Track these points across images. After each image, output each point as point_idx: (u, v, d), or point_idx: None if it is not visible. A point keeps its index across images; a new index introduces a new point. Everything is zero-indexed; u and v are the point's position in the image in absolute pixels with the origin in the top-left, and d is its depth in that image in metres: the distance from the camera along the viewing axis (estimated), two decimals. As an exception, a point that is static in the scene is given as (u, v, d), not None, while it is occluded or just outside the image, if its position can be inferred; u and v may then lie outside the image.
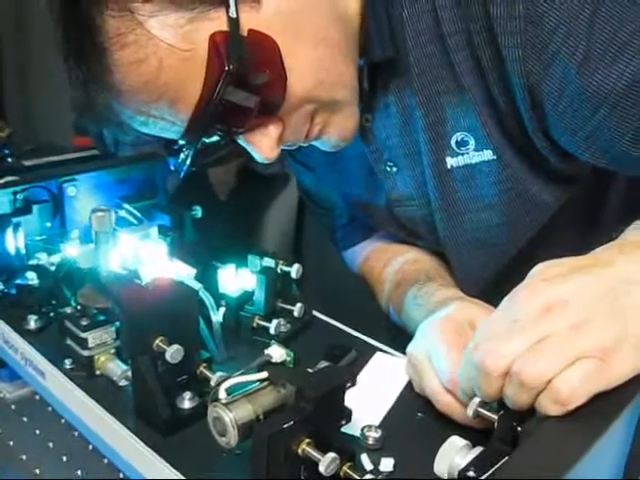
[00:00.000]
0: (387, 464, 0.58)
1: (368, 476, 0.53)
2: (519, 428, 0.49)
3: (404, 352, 0.75)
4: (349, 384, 0.56)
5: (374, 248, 0.93)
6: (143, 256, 0.78)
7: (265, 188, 1.40)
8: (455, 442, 0.50)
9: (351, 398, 0.63)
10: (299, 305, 0.77)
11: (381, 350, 0.76)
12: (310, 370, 0.57)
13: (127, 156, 0.93)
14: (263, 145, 0.67)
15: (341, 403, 0.55)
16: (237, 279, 0.77)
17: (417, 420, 0.66)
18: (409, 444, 0.62)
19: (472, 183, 0.75)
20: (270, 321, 0.75)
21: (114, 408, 0.65)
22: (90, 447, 0.73)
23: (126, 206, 0.87)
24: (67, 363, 0.70)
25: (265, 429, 0.51)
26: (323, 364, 0.57)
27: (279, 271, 0.77)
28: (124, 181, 0.92)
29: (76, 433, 0.75)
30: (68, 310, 0.70)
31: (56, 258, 0.77)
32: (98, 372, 0.70)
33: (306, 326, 0.79)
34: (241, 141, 0.68)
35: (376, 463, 0.59)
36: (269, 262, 0.77)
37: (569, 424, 0.46)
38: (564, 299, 0.47)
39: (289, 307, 0.77)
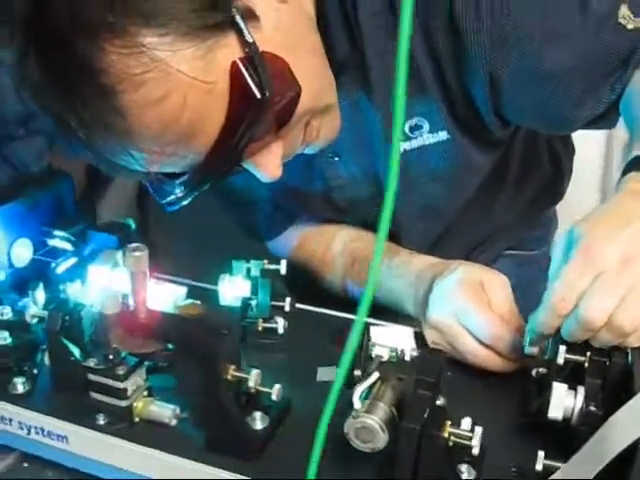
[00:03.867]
0: (467, 423, 0.65)
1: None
2: (607, 363, 0.59)
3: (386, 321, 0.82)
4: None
5: (307, 233, 0.96)
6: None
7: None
8: (561, 388, 0.59)
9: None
10: (288, 300, 0.78)
11: (371, 324, 0.81)
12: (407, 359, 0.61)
13: (34, 178, 0.83)
14: (271, 166, 0.67)
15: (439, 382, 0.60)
16: (233, 288, 0.76)
17: (450, 378, 0.73)
18: (461, 400, 0.69)
19: (424, 161, 0.82)
20: (274, 322, 0.76)
21: (181, 450, 0.63)
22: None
23: (60, 233, 0.79)
24: (100, 419, 0.64)
25: (412, 423, 0.54)
26: (414, 352, 0.61)
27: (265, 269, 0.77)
28: (35, 207, 0.82)
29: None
30: (91, 363, 0.64)
31: (34, 310, 0.69)
32: (137, 420, 0.65)
33: (294, 319, 0.81)
34: (245, 163, 0.67)
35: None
36: (258, 264, 0.77)
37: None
38: (634, 251, 0.57)
39: (280, 304, 0.78)
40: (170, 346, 0.62)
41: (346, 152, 0.82)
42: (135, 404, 0.65)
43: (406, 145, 0.80)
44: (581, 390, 0.59)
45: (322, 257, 0.93)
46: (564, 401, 0.58)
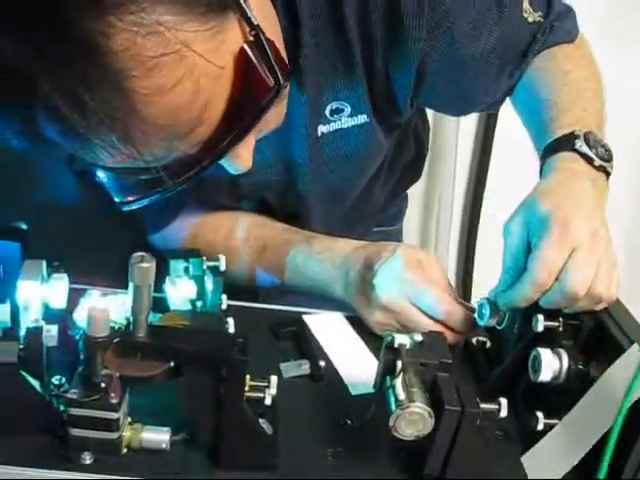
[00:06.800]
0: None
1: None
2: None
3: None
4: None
5: (200, 222, 0.89)
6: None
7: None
8: (547, 352, 0.64)
9: (341, 366, 0.72)
10: (224, 296, 0.74)
11: (303, 313, 0.80)
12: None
13: None
14: (247, 157, 0.62)
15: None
16: (180, 290, 0.69)
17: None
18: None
19: (339, 145, 0.81)
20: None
21: (191, 473, 0.57)
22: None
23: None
24: (86, 458, 0.55)
25: (453, 404, 0.56)
26: (419, 337, 0.61)
27: (205, 267, 0.72)
28: None
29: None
30: (71, 394, 0.54)
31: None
32: (124, 451, 0.57)
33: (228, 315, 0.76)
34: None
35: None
36: (197, 262, 0.71)
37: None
38: (597, 225, 0.65)
39: (218, 302, 0.73)
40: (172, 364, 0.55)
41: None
42: (124, 434, 0.57)
43: (324, 128, 0.79)
44: (561, 352, 0.65)
45: (225, 247, 0.87)
46: (552, 364, 0.64)
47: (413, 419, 0.55)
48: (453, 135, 1.34)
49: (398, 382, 0.56)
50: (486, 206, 1.46)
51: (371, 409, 0.57)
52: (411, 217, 1.20)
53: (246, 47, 0.54)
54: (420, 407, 0.55)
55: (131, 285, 0.52)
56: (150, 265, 0.52)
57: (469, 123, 1.38)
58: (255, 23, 0.54)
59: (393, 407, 0.55)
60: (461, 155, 1.39)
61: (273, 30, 0.60)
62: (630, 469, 0.58)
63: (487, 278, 1.17)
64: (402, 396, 0.55)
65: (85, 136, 0.50)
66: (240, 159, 0.61)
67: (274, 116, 0.68)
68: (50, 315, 0.63)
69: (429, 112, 1.07)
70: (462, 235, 1.52)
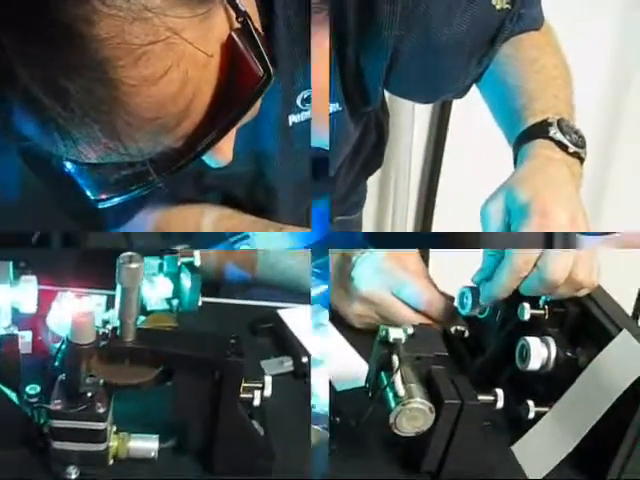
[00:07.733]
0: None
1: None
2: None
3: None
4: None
5: (164, 216, 0.82)
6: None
7: None
8: (535, 341, 0.64)
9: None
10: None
11: (278, 308, 0.78)
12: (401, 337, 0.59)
13: None
14: (228, 150, 0.58)
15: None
16: (157, 289, 0.65)
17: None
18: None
19: (309, 134, 0.79)
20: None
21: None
22: None
23: None
24: (72, 472, 0.52)
25: (453, 397, 0.55)
26: (410, 329, 0.59)
27: (179, 263, 0.69)
28: None
29: None
30: (54, 405, 0.50)
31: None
32: (111, 462, 0.54)
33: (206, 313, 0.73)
34: None
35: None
36: (172, 259, 0.68)
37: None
38: (576, 210, 0.65)
39: (192, 299, 0.70)
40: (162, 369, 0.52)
41: None
42: (110, 444, 0.53)
43: (295, 118, 0.77)
44: (549, 340, 0.65)
45: (192, 242, 0.84)
46: (540, 352, 0.64)
47: (414, 415, 0.54)
48: (409, 124, 1.33)
49: (397, 378, 0.55)
50: (441, 194, 1.46)
51: (369, 409, 0.56)
52: (367, 206, 1.19)
53: (234, 35, 0.51)
54: (421, 403, 0.54)
55: (119, 287, 0.49)
56: (139, 265, 0.49)
57: (424, 112, 1.37)
58: (243, 9, 0.52)
59: (392, 404, 0.54)
60: (417, 143, 1.39)
61: (255, 17, 0.58)
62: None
63: (442, 265, 1.18)
64: (402, 392, 0.54)
65: (67, 130, 0.46)
66: (221, 152, 0.58)
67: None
68: (19, 320, 0.59)
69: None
70: (417, 223, 1.52)
